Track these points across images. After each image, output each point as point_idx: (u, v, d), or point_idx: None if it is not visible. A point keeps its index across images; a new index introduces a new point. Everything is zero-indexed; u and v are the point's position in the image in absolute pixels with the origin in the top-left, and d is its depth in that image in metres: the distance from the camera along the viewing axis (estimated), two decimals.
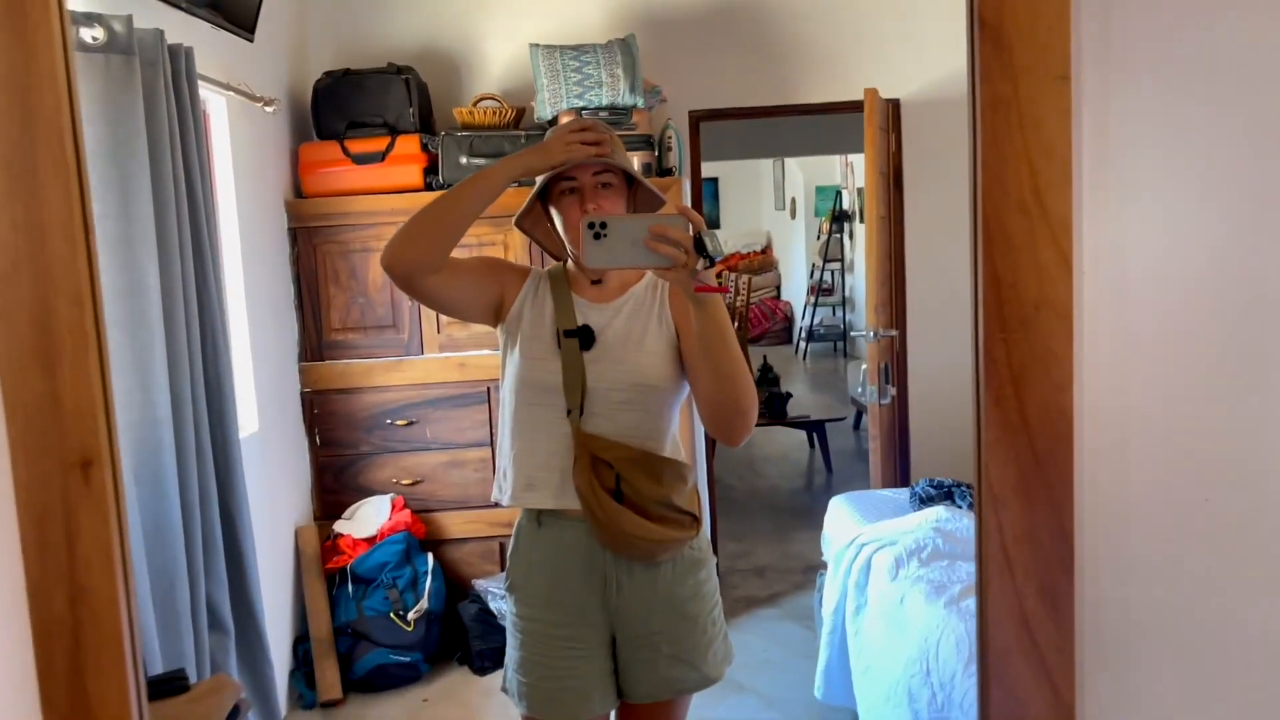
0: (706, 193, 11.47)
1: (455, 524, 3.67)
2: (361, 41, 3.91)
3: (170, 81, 2.46)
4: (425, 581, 3.49)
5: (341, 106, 3.59)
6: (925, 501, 3.19)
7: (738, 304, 8.16)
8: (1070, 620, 0.97)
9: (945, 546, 2.77)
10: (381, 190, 3.56)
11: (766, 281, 11.67)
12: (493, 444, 3.63)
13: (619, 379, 1.72)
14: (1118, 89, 0.95)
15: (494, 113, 3.63)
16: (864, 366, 3.74)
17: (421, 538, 3.61)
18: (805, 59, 3.99)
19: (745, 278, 8.70)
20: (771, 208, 12.17)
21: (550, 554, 1.77)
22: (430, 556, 3.56)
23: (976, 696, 1.00)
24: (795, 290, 11.56)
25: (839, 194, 10.24)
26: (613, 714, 1.86)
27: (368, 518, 3.59)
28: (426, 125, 3.72)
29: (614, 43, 3.59)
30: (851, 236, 10.11)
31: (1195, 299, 0.98)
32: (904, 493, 3.39)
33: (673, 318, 1.77)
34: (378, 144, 3.56)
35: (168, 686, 1.78)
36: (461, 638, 3.56)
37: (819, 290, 10.40)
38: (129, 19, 2.28)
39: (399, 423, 3.63)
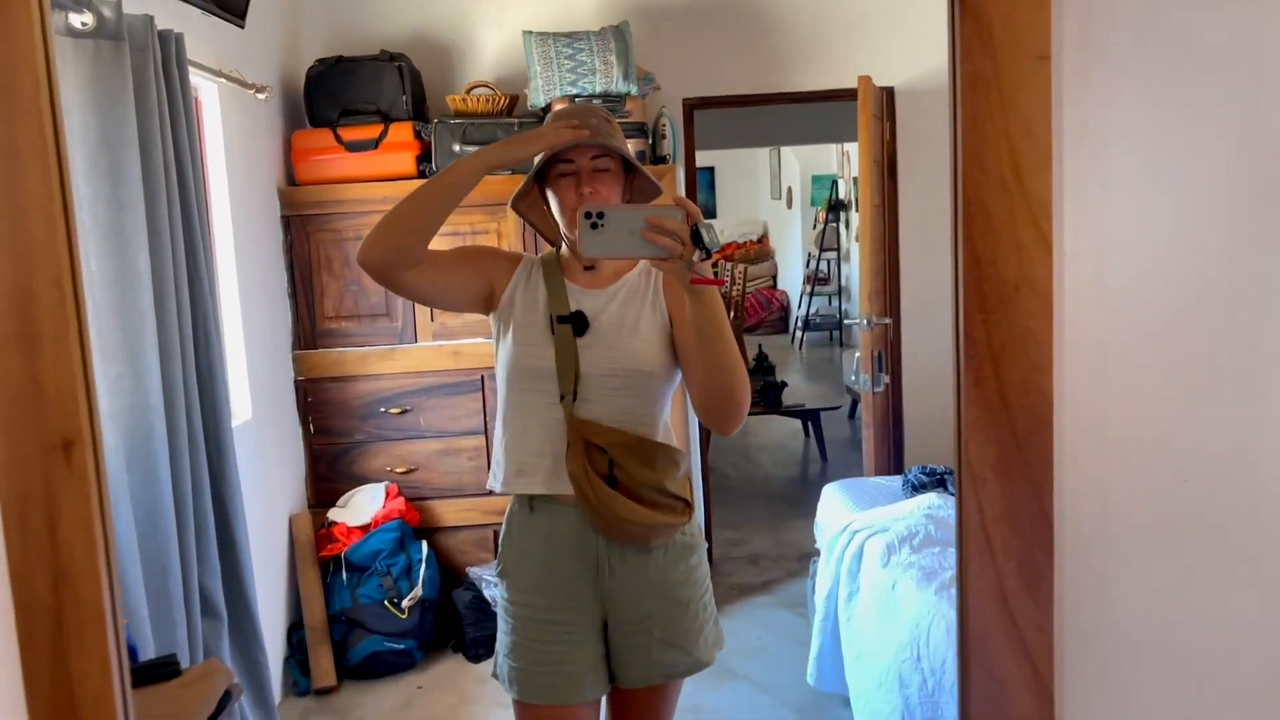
0: (703, 182, 11.46)
1: (449, 512, 3.68)
2: (354, 28, 3.90)
3: (160, 68, 2.45)
4: (419, 569, 3.49)
5: (334, 94, 3.58)
6: (918, 489, 3.20)
7: (733, 293, 8.15)
8: (1049, 599, 0.97)
9: (937, 533, 2.78)
10: (375, 178, 3.55)
11: (763, 271, 11.66)
12: (486, 432, 3.64)
13: (612, 364, 1.72)
14: (1099, 69, 0.95)
15: (487, 100, 3.62)
16: (858, 354, 3.74)
17: (416, 526, 3.62)
18: (799, 46, 3.98)
19: (741, 267, 8.68)
20: (768, 197, 12.16)
21: (542, 539, 1.77)
22: (424, 544, 3.57)
23: (956, 674, 1.01)
24: (791, 279, 11.55)
25: (835, 183, 10.23)
26: (604, 699, 1.87)
27: (362, 506, 3.59)
28: (420, 113, 3.71)
29: (607, 30, 3.58)
30: (848, 225, 10.10)
31: (1175, 281, 0.98)
32: (897, 480, 3.40)
33: (667, 304, 1.77)
34: (371, 131, 3.55)
35: (159, 671, 1.78)
36: (456, 625, 3.57)
37: (815, 279, 10.39)
38: (118, 4, 2.26)
39: (393, 411, 3.63)
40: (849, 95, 3.75)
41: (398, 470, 3.66)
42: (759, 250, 11.92)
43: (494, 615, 3.44)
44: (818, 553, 3.25)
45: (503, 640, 1.82)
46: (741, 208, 12.31)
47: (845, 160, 9.80)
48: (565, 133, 1.65)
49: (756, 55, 3.98)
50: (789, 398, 6.33)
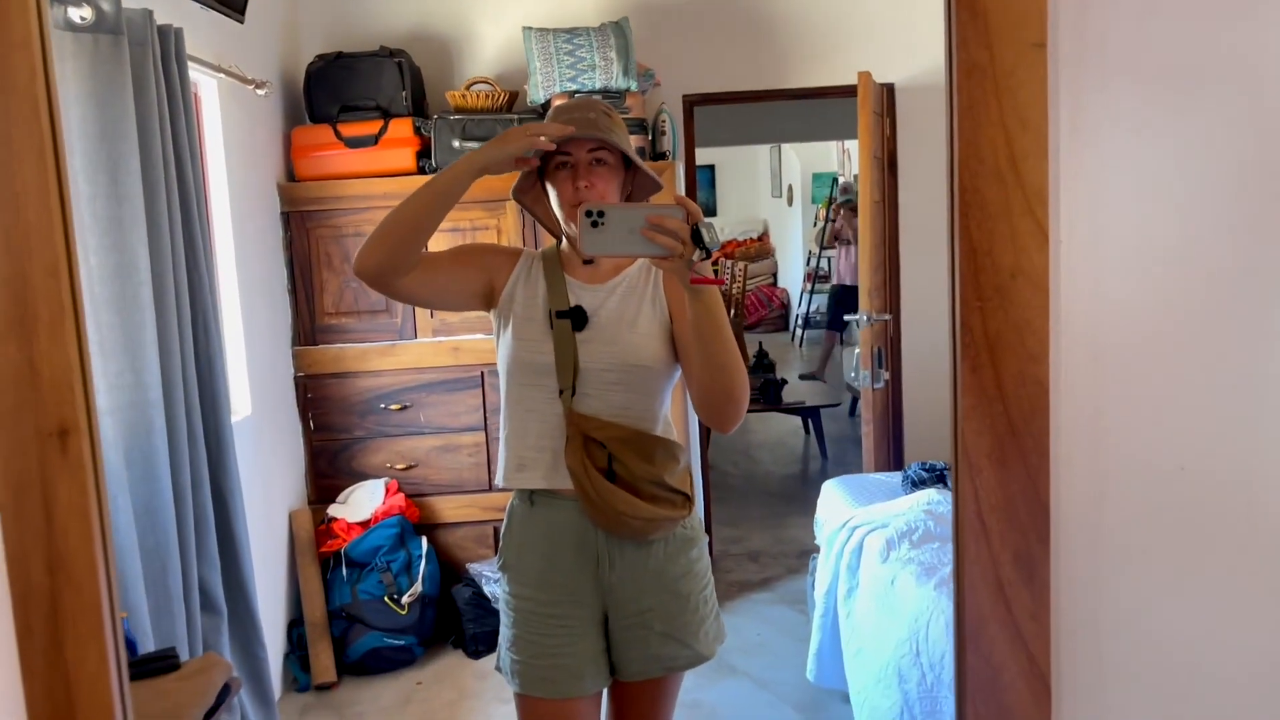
0: (703, 180, 11.45)
1: (449, 508, 3.68)
2: (353, 24, 3.90)
3: (160, 62, 2.45)
4: (419, 565, 3.49)
5: (334, 90, 3.58)
6: (917, 484, 3.20)
7: (734, 291, 8.15)
8: (1045, 588, 0.97)
9: (936, 529, 2.78)
10: (374, 174, 3.55)
11: (763, 269, 11.66)
12: (486, 429, 3.64)
13: (611, 359, 1.72)
14: (1095, 57, 0.95)
15: (487, 96, 3.62)
16: (857, 351, 3.74)
17: (415, 522, 3.62)
18: (799, 43, 3.98)
19: (742, 265, 8.69)
20: (768, 195, 12.15)
21: (543, 533, 1.78)
22: (424, 540, 3.57)
23: (953, 663, 1.01)
24: (792, 277, 11.55)
25: (835, 180, 10.23)
26: (605, 692, 1.87)
27: (361, 502, 3.59)
28: (419, 109, 3.71)
29: (607, 26, 3.58)
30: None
31: (1171, 269, 0.98)
32: (896, 476, 3.40)
33: (666, 300, 1.77)
34: (370, 127, 3.55)
35: (158, 664, 1.78)
36: (455, 621, 3.57)
37: (815, 277, 10.39)
38: None
39: (393, 407, 3.64)
40: (849, 92, 3.74)
41: (397, 466, 3.66)
42: (759, 248, 11.92)
43: (494, 612, 3.45)
44: (817, 549, 3.25)
45: (505, 634, 1.82)
46: (742, 205, 12.31)
47: (846, 158, 9.80)
48: (551, 127, 1.64)
49: (757, 51, 3.98)
50: (789, 395, 6.33)
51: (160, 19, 2.48)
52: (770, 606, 3.83)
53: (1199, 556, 1.01)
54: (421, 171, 3.58)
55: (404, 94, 3.58)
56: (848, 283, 7.97)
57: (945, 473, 3.23)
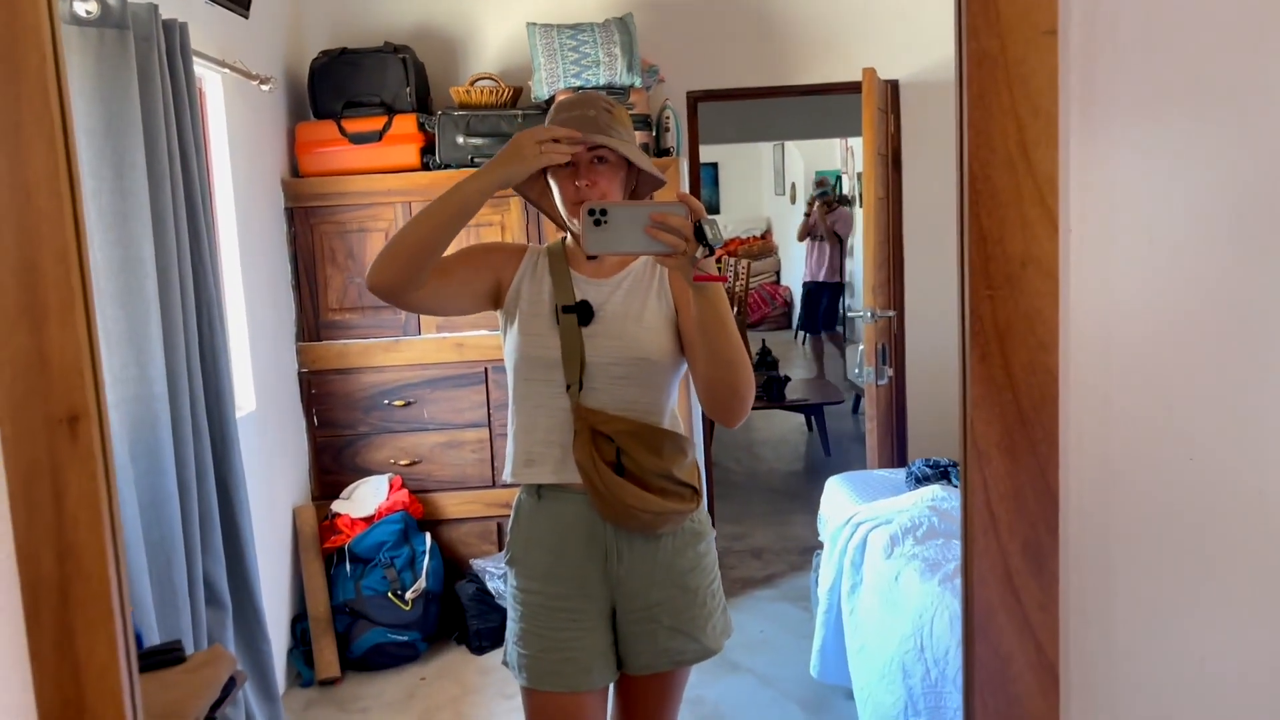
0: (707, 178, 11.45)
1: (453, 504, 3.68)
2: (358, 20, 3.90)
3: (164, 57, 2.46)
4: (423, 561, 3.49)
5: (338, 86, 3.58)
6: (921, 481, 3.20)
7: (737, 289, 8.15)
8: (1054, 578, 0.97)
9: (940, 525, 2.78)
10: (378, 170, 3.55)
11: (766, 266, 11.66)
12: (490, 425, 3.64)
13: (618, 353, 1.72)
14: (1106, 44, 0.94)
15: (491, 92, 3.62)
16: (861, 347, 3.74)
17: (419, 518, 3.62)
18: (803, 39, 3.98)
19: (745, 263, 8.69)
20: (771, 193, 12.15)
21: (551, 527, 1.78)
22: (428, 536, 3.57)
23: (961, 654, 1.01)
24: (795, 275, 11.53)
25: (839, 179, 10.21)
26: (612, 687, 1.87)
27: (365, 497, 3.60)
28: (423, 105, 3.71)
29: (611, 22, 3.57)
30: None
31: (1182, 257, 0.98)
32: (900, 472, 3.40)
33: (672, 294, 1.77)
34: (374, 123, 3.55)
35: (164, 657, 1.78)
36: (459, 617, 3.57)
37: None
38: None
39: (397, 403, 3.64)
40: (854, 88, 3.74)
41: (401, 462, 3.66)
42: (762, 246, 11.91)
43: (497, 607, 3.45)
44: (820, 546, 3.25)
45: (512, 628, 1.82)
46: (745, 203, 12.30)
47: (849, 155, 9.78)
48: (559, 135, 1.62)
49: (760, 48, 3.98)
50: (792, 393, 6.32)
51: (165, 14, 2.48)
52: (773, 603, 3.83)
53: (1208, 547, 1.00)
54: (425, 168, 3.58)
55: (408, 90, 3.58)
56: (820, 279, 7.96)
57: (949, 469, 3.23)
